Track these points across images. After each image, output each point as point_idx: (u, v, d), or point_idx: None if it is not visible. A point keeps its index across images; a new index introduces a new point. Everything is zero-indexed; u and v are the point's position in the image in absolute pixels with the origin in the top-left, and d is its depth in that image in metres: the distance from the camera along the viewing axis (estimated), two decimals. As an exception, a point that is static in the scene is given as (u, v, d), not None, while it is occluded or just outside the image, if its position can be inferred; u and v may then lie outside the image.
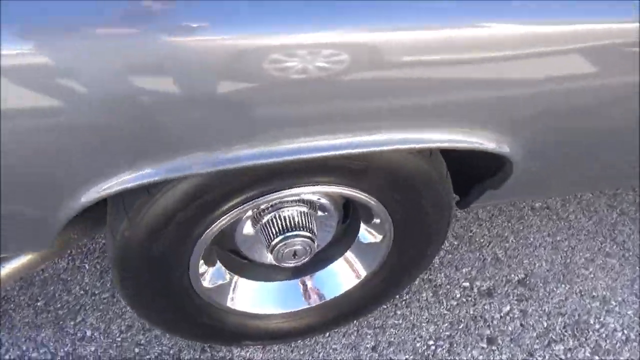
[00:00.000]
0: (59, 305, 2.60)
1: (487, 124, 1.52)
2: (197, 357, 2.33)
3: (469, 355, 2.27)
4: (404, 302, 2.67)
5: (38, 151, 1.25)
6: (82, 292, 2.67)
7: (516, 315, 2.59)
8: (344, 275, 2.11)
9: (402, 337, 2.36)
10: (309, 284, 2.05)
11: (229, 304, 1.93)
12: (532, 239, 3.46)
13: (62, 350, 2.42)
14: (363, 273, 2.10)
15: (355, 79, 1.26)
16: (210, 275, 1.89)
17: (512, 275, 2.89)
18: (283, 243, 1.75)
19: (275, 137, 1.36)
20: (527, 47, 1.35)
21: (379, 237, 2.02)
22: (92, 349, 2.42)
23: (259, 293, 1.97)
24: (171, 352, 2.38)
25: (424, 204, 1.80)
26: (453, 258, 3.26)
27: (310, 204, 1.83)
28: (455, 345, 2.32)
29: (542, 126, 1.60)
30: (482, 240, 3.54)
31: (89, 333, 2.50)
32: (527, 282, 2.80)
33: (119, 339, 2.45)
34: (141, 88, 1.18)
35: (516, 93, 1.49)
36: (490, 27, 1.31)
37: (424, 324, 2.48)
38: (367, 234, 2.09)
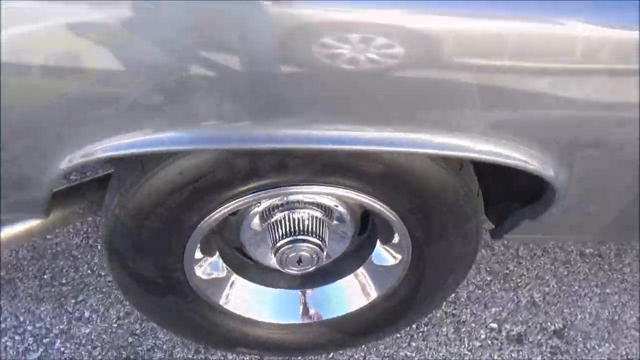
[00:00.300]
0: (64, 281, 2.55)
1: (535, 139, 1.30)
2: (190, 356, 2.20)
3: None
4: (420, 334, 2.42)
5: (28, 108, 1.17)
6: (89, 271, 2.61)
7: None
8: (352, 293, 1.91)
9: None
10: (311, 297, 1.86)
11: (222, 302, 1.78)
12: (576, 287, 3.10)
13: (57, 327, 2.36)
14: (374, 294, 1.90)
15: (404, 73, 1.11)
16: (206, 266, 1.74)
17: (549, 324, 2.57)
18: (289, 246, 1.60)
19: (296, 121, 1.21)
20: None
21: (396, 258, 1.82)
22: (87, 331, 2.34)
23: (255, 297, 1.81)
24: (164, 347, 2.25)
25: (449, 225, 1.58)
26: (483, 294, 2.97)
27: (326, 210, 1.66)
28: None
29: (596, 154, 1.36)
30: (519, 280, 3.21)
31: (87, 314, 2.42)
32: (565, 334, 2.47)
33: (115, 325, 2.36)
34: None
35: (577, 113, 1.27)
36: (567, 26, 1.10)
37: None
38: (383, 252, 1.88)
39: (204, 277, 1.73)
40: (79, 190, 1.96)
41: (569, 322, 2.53)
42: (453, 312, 2.67)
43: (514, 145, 1.29)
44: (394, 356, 2.25)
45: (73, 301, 2.74)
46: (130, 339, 2.32)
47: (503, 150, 1.28)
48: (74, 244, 2.82)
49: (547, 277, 3.26)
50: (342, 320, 1.90)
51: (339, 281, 1.93)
